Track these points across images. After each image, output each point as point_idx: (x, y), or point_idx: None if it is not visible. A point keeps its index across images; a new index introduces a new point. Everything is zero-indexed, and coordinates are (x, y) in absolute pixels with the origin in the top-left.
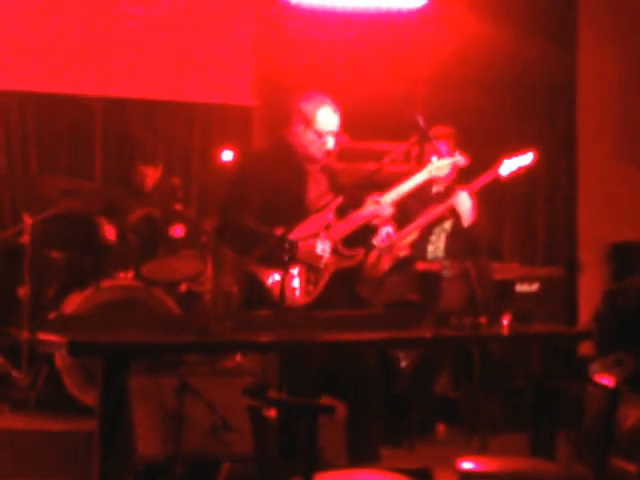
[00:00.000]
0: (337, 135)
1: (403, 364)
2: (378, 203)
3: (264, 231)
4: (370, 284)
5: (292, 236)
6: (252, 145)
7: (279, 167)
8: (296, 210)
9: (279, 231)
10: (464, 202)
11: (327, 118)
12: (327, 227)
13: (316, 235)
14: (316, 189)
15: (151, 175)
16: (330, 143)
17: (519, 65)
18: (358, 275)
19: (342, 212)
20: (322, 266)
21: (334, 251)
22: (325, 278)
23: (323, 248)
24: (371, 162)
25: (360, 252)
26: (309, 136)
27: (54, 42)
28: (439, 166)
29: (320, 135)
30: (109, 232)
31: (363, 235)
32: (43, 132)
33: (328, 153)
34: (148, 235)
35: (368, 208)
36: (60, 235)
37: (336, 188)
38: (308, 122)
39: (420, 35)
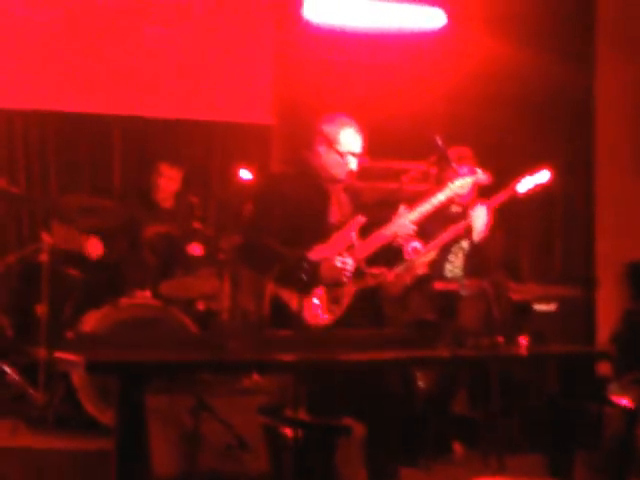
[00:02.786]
0: (359, 156)
1: (420, 384)
2: (401, 220)
3: (285, 251)
4: (390, 302)
5: (314, 256)
6: (270, 164)
7: (302, 188)
8: (319, 231)
9: (301, 251)
10: (479, 217)
11: (350, 139)
12: (350, 247)
13: (339, 255)
14: (339, 210)
15: (170, 176)
16: (352, 164)
17: (537, 84)
18: (380, 293)
19: (365, 232)
20: (345, 285)
21: (357, 271)
22: (349, 298)
23: (344, 262)
24: (390, 181)
25: (383, 271)
26: (332, 157)
27: (73, 61)
28: (461, 184)
29: (343, 156)
30: (95, 248)
31: (386, 254)
32: (62, 151)
33: (350, 174)
34: (166, 253)
35: (390, 227)
36: (78, 253)
37: (359, 208)
38: (331, 143)
39: (439, 55)
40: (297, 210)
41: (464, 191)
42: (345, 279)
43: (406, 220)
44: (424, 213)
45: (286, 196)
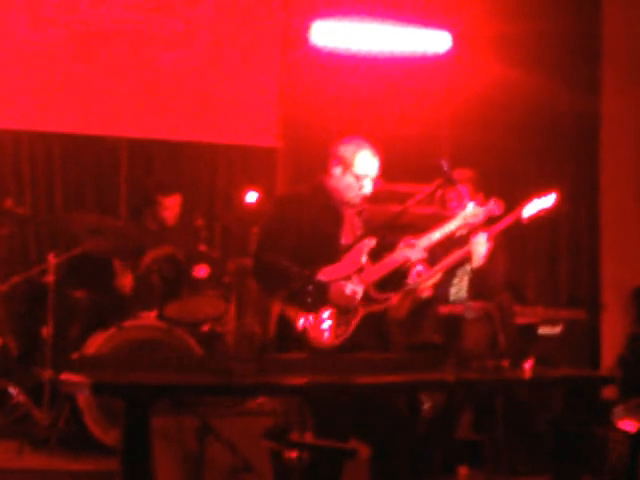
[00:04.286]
0: (375, 179)
1: (425, 406)
2: (412, 246)
3: (294, 270)
4: (395, 325)
5: (324, 277)
6: (276, 186)
7: (315, 209)
8: (330, 252)
9: (310, 271)
10: (480, 244)
11: (366, 162)
12: (360, 270)
13: (348, 278)
14: (351, 232)
15: (169, 206)
16: (367, 187)
17: (543, 108)
18: (386, 318)
19: (375, 256)
20: (353, 309)
21: (366, 295)
22: (356, 321)
23: (354, 290)
24: (395, 204)
25: (391, 296)
26: (347, 180)
27: (79, 84)
28: (474, 213)
29: (358, 179)
30: (126, 283)
31: (395, 279)
32: (68, 172)
33: (365, 197)
34: (171, 275)
35: (401, 252)
36: (84, 275)
37: (370, 232)
38: (346, 166)
39: (444, 78)
40: (309, 231)
41: (477, 220)
42: (353, 307)
43: (417, 246)
44: (435, 241)
45: (298, 216)
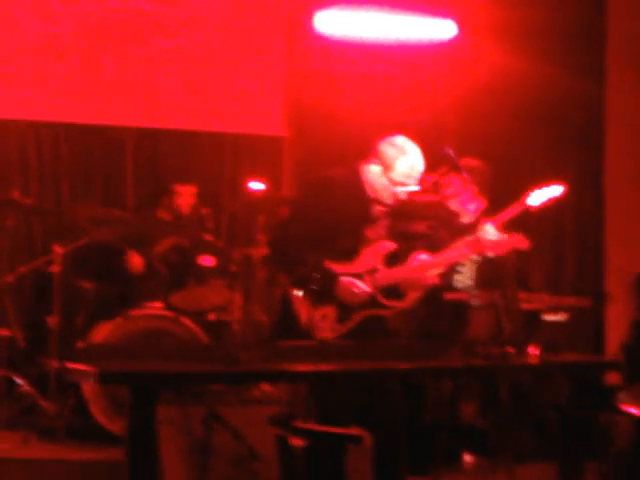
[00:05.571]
0: (412, 185)
1: (430, 394)
2: (421, 262)
3: (308, 255)
4: (398, 315)
5: (337, 269)
6: (282, 175)
7: (345, 199)
8: (349, 245)
9: (322, 259)
10: (488, 235)
11: (406, 168)
12: (372, 271)
13: (360, 277)
14: (375, 231)
15: (186, 195)
16: (403, 194)
17: (548, 96)
18: (387, 324)
19: (391, 260)
20: (355, 310)
21: (372, 298)
22: (355, 321)
23: (363, 290)
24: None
25: (397, 305)
26: (382, 180)
27: (86, 73)
28: (495, 241)
29: (395, 184)
30: (137, 263)
31: (404, 290)
32: (75, 162)
33: (398, 201)
34: (178, 265)
35: (414, 264)
36: (90, 265)
37: (394, 235)
38: (386, 167)
39: (449, 66)
40: (334, 219)
41: (494, 252)
42: (357, 305)
43: (431, 272)
44: (448, 265)
45: (327, 203)
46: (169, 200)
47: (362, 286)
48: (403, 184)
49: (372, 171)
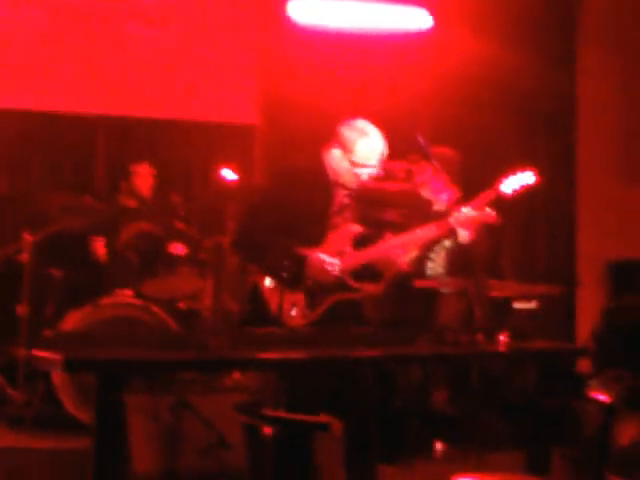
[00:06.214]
0: (374, 167)
1: (400, 381)
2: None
3: (275, 241)
4: (369, 302)
5: (304, 252)
6: (254, 164)
7: (309, 184)
8: (315, 230)
9: (290, 243)
10: (460, 212)
11: (366, 150)
12: (340, 253)
13: (329, 258)
14: (340, 214)
15: (141, 174)
16: (365, 175)
17: (520, 84)
18: (358, 310)
19: (359, 243)
20: (324, 293)
21: (340, 281)
22: (325, 307)
23: (332, 263)
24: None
25: (366, 287)
26: (344, 164)
27: (56, 61)
28: (465, 217)
29: (355, 166)
30: (101, 251)
31: (372, 271)
32: (45, 150)
33: (361, 183)
34: (148, 253)
35: (382, 247)
36: (59, 253)
37: (360, 218)
38: (346, 150)
39: (422, 55)
40: (298, 206)
41: (464, 239)
42: (328, 283)
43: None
44: (417, 242)
45: (293, 189)
46: (128, 184)
47: (332, 261)
48: (364, 166)
49: (333, 155)
